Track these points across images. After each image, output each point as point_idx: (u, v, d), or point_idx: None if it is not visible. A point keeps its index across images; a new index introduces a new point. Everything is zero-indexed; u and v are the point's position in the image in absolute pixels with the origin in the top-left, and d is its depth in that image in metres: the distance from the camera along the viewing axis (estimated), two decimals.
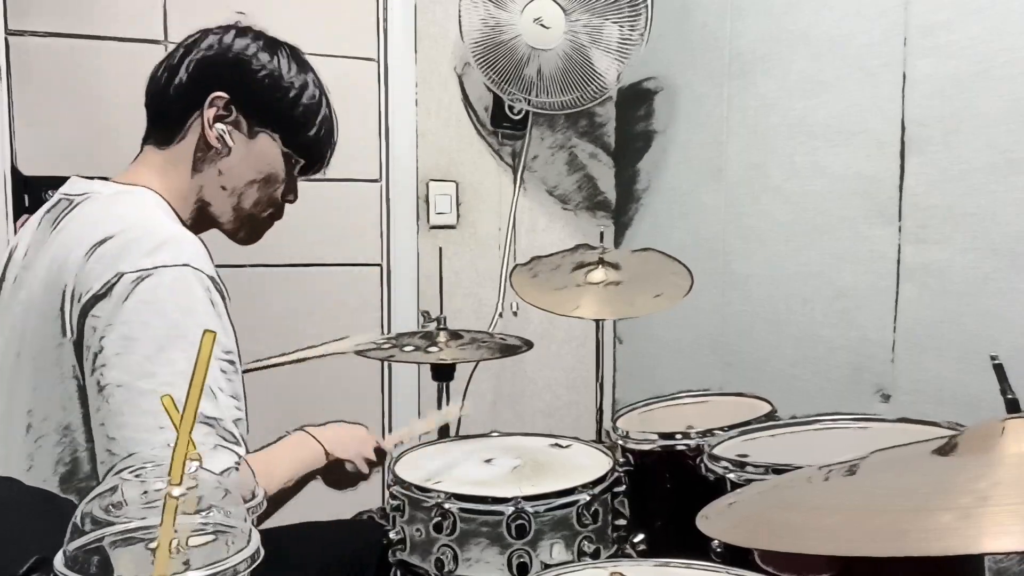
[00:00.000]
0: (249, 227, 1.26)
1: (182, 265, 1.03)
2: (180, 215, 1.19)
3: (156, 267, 1.01)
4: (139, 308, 0.99)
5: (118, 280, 0.99)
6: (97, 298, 1.00)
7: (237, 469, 1.00)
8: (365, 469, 1.31)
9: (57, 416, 1.05)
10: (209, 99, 1.17)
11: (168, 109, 1.20)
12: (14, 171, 1.92)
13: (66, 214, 1.13)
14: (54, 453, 1.05)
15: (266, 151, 1.22)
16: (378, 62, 2.32)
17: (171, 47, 1.26)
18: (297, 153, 1.25)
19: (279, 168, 1.24)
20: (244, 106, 1.19)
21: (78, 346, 1.01)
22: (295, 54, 1.25)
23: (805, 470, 0.81)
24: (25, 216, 1.91)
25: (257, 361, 1.44)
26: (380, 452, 1.34)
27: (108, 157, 1.98)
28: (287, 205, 1.30)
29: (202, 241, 1.10)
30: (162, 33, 2.03)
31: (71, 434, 1.05)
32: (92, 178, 1.19)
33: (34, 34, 1.95)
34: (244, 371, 1.10)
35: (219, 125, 1.18)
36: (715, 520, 0.77)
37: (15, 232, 1.91)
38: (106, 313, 0.99)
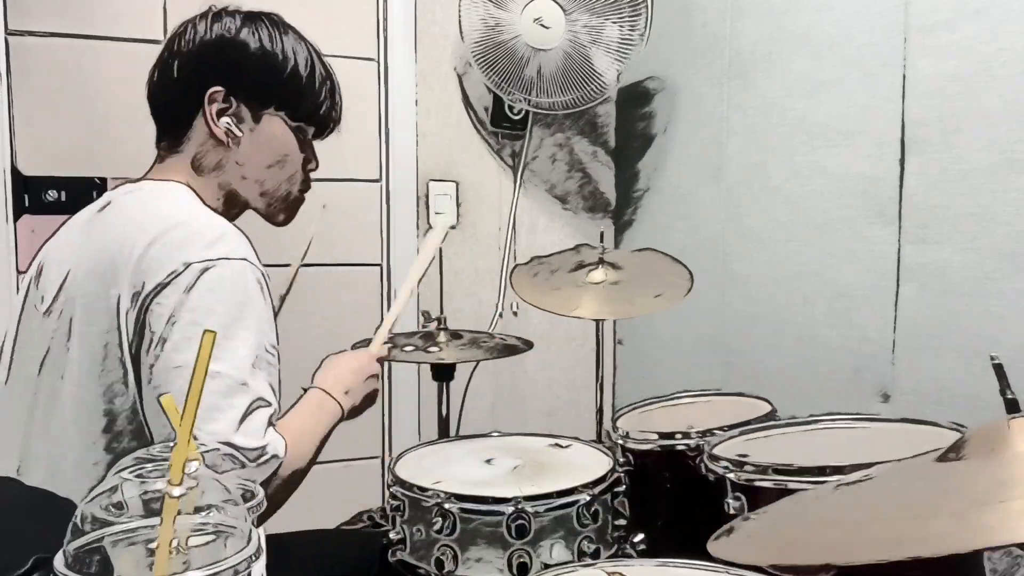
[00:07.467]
0: (284, 207, 1.27)
1: (240, 259, 1.06)
2: (211, 208, 1.18)
3: (219, 259, 1.04)
4: (205, 296, 1.02)
5: (185, 269, 1.02)
6: (162, 286, 1.02)
7: (272, 426, 1.06)
8: (375, 389, 1.32)
9: (101, 405, 1.07)
10: (207, 95, 1.16)
11: (170, 111, 1.21)
12: (14, 171, 1.91)
13: (105, 211, 1.15)
14: (102, 440, 1.07)
15: (275, 133, 1.21)
16: (378, 62, 2.32)
17: None
18: (307, 123, 1.24)
19: (292, 145, 1.23)
20: (242, 93, 1.18)
21: (137, 333, 1.03)
22: (276, 23, 1.22)
23: (815, 490, 0.80)
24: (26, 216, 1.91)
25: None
26: (380, 363, 1.35)
27: (108, 157, 2.00)
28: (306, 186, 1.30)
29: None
30: (162, 33, 2.03)
31: (114, 419, 1.07)
32: (120, 180, 1.20)
33: (34, 34, 1.94)
34: None
35: (223, 119, 1.17)
36: (725, 545, 0.76)
37: (15, 232, 1.91)
38: (172, 300, 1.02)
